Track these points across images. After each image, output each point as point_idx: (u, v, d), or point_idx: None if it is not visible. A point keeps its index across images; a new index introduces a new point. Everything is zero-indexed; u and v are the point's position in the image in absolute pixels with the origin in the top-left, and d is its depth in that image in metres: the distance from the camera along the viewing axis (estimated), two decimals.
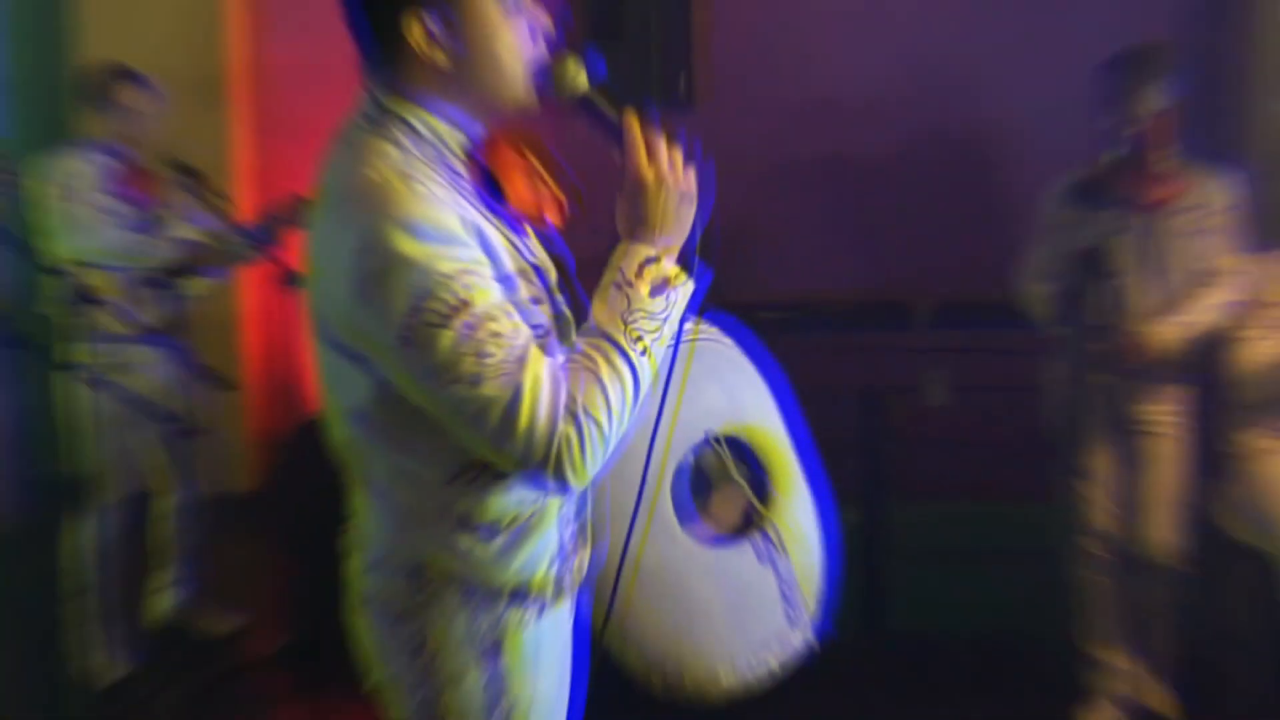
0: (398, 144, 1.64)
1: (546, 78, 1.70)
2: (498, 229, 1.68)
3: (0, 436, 2.86)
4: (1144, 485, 3.68)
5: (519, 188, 1.78)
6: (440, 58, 1.66)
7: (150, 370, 4.14)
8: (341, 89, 5.48)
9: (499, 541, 1.74)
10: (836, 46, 5.34)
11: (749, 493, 2.16)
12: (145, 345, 3.90)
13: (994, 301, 4.08)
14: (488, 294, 1.56)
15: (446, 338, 1.52)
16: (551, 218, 1.83)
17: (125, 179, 4.21)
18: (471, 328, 1.52)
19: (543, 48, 1.72)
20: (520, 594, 1.77)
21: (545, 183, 1.84)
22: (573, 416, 1.56)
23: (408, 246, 1.52)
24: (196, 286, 4.26)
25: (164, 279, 4.07)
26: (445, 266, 1.53)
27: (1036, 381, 3.95)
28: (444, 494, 1.70)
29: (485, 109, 1.73)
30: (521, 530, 1.76)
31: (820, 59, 5.33)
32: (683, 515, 2.09)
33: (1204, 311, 3.57)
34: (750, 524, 2.16)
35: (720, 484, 2.16)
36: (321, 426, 1.83)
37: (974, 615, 4.44)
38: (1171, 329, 3.55)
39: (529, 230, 1.79)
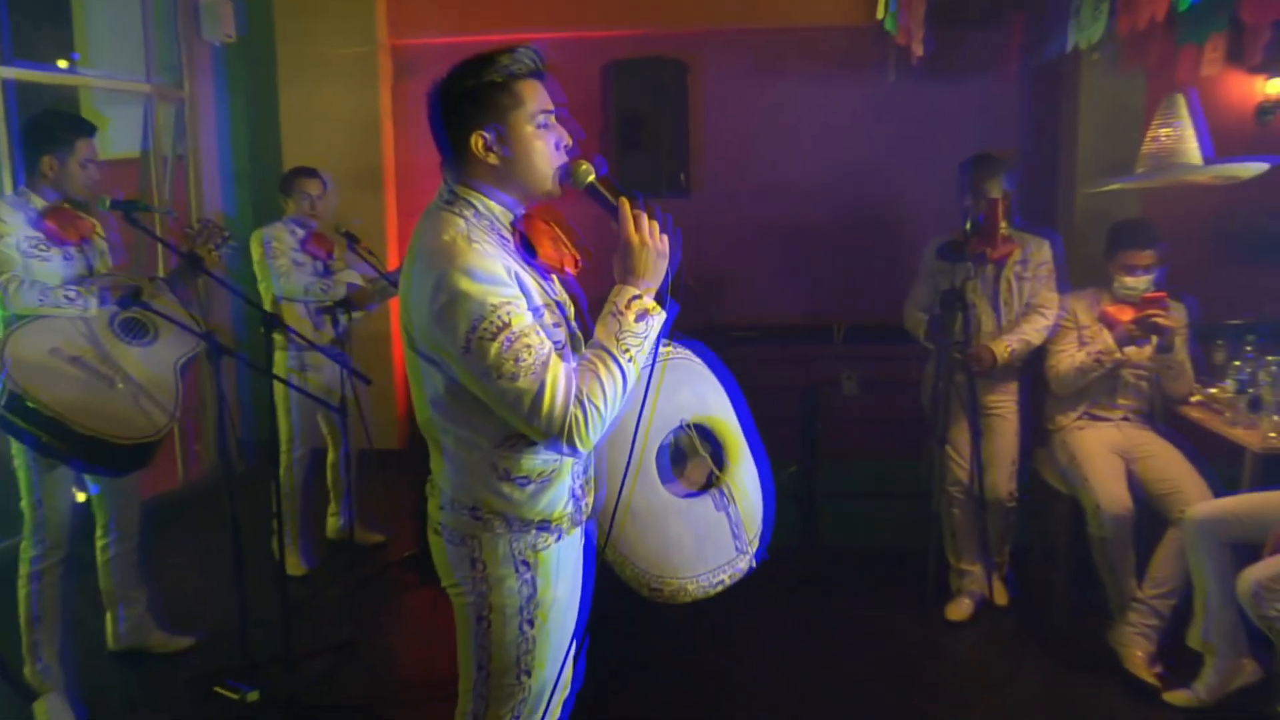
0: (463, 217, 1.70)
1: (567, 174, 1.74)
2: (531, 276, 1.71)
3: (223, 414, 2.84)
4: (990, 449, 3.64)
5: (547, 248, 1.81)
6: (493, 159, 1.71)
7: (323, 370, 4.15)
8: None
9: (530, 488, 1.76)
10: (788, 149, 5.31)
11: (710, 463, 2.13)
12: (321, 354, 3.89)
13: (888, 324, 4.02)
14: (522, 319, 1.61)
15: (494, 348, 1.58)
16: (570, 268, 1.85)
17: (309, 241, 4.20)
18: (511, 342, 1.59)
19: (564, 154, 1.75)
20: (545, 525, 1.79)
21: (566, 244, 1.85)
22: (580, 403, 1.61)
23: (467, 285, 1.59)
24: (357, 315, 4.24)
25: (335, 310, 4.06)
26: (494, 300, 1.60)
27: (916, 379, 3.91)
28: (493, 455, 1.73)
29: (524, 195, 1.77)
30: (546, 481, 1.78)
31: (777, 158, 5.30)
32: (664, 476, 2.08)
33: (1031, 333, 3.53)
34: (710, 484, 2.13)
35: (691, 456, 2.15)
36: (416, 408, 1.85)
37: (877, 536, 4.39)
38: (1008, 345, 3.51)
39: (554, 278, 1.82)
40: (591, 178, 1.72)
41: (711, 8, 5.17)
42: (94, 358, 2.91)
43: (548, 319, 1.71)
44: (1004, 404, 3.66)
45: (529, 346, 1.60)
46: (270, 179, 5.68)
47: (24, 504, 3.06)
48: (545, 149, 1.72)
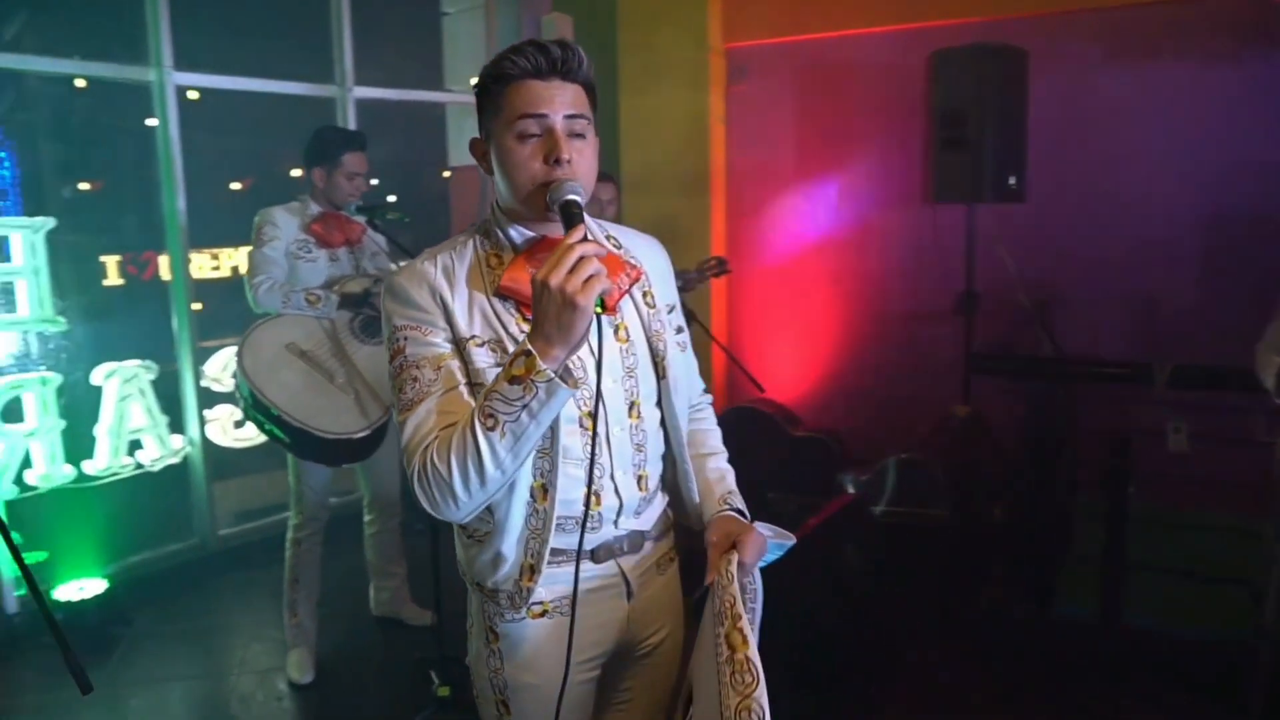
0: (474, 235, 1.54)
1: (549, 193, 1.42)
2: (486, 309, 1.46)
3: None
4: None
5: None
6: (487, 168, 1.51)
7: None
8: (782, 185, 5.22)
9: (469, 544, 1.55)
10: (1137, 150, 4.31)
11: None
12: None
13: (1233, 368, 3.07)
14: (418, 349, 1.43)
15: (391, 371, 1.45)
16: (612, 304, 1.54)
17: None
18: (399, 369, 1.44)
19: (554, 168, 1.42)
20: (486, 592, 1.54)
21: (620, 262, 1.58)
22: (426, 458, 1.36)
23: (386, 302, 1.49)
24: None
25: None
26: (397, 320, 1.46)
27: (1266, 441, 2.94)
28: None
29: (519, 214, 1.50)
30: (481, 541, 1.52)
31: (1122, 161, 4.34)
32: None
33: None
34: None
35: None
36: None
37: (1195, 622, 3.47)
38: None
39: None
40: (559, 199, 1.40)
41: None
42: (324, 354, 3.09)
43: (479, 359, 1.43)
44: None
45: (414, 379, 1.41)
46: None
47: (290, 478, 3.36)
48: (520, 161, 1.43)
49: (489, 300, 1.46)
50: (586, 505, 1.45)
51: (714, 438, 1.78)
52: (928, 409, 4.48)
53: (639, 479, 1.57)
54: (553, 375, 1.29)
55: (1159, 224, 4.20)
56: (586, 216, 1.55)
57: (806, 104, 5.33)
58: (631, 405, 1.55)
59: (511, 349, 1.42)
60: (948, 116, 4.31)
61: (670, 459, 1.65)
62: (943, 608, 3.69)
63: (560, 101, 1.42)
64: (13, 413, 3.78)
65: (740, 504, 1.64)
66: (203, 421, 4.35)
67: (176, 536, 4.38)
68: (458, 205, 5.77)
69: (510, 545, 1.47)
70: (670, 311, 1.66)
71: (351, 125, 4.71)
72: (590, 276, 1.26)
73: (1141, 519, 3.44)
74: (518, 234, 1.51)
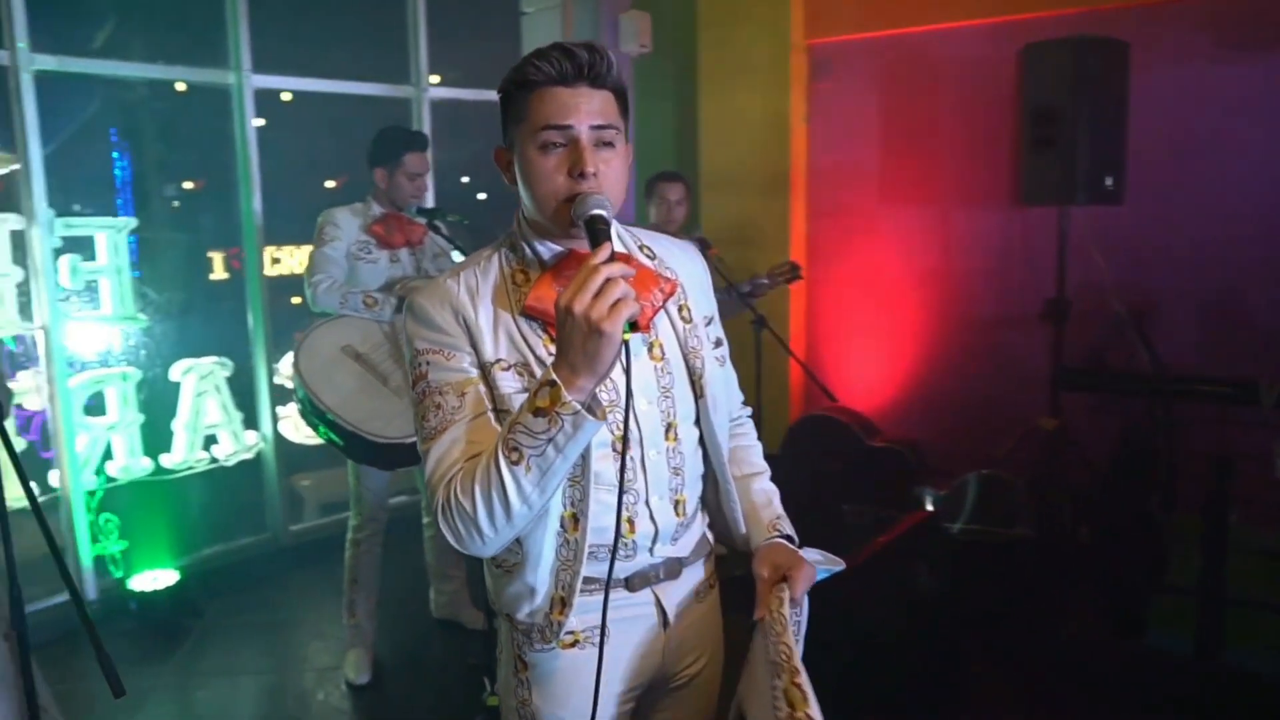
0: (499, 250, 1.44)
1: (573, 208, 1.32)
2: (513, 331, 1.37)
3: None
4: None
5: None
6: (510, 181, 1.41)
7: None
8: (865, 185, 5.03)
9: (498, 574, 1.45)
10: (1233, 152, 3.99)
11: None
12: None
13: None
14: (441, 374, 1.35)
15: (414, 396, 1.38)
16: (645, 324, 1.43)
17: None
18: (421, 396, 1.36)
19: (579, 181, 1.32)
20: (516, 623, 1.45)
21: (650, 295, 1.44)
22: (450, 491, 1.28)
23: (408, 324, 1.41)
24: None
25: None
26: (418, 344, 1.38)
27: None
28: None
29: (544, 229, 1.40)
30: (508, 572, 1.43)
31: (1228, 162, 4.02)
32: None
33: None
34: None
35: None
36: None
37: None
38: None
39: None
40: (584, 214, 1.30)
41: None
42: (380, 356, 3.06)
43: (505, 385, 1.34)
44: None
45: (437, 406, 1.33)
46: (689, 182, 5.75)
47: (349, 479, 3.35)
48: (543, 173, 1.33)
49: (515, 320, 1.37)
50: (617, 533, 1.34)
51: (756, 454, 1.68)
52: (1012, 421, 4.27)
53: (675, 504, 1.47)
54: (579, 408, 1.19)
55: (1271, 231, 3.88)
56: (617, 225, 1.47)
57: (891, 101, 5.11)
58: (668, 427, 1.45)
59: (539, 373, 1.33)
60: (1040, 113, 4.06)
61: (711, 479, 1.55)
62: (1020, 635, 3.47)
63: (587, 110, 1.32)
64: (95, 407, 3.89)
65: (789, 529, 1.54)
66: (275, 418, 4.40)
67: (248, 530, 4.45)
68: None
69: (540, 577, 1.39)
70: (708, 323, 1.55)
71: (426, 126, 4.70)
72: (617, 300, 1.16)
73: (1242, 548, 3.16)
74: (545, 249, 1.41)
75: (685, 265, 1.56)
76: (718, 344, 1.57)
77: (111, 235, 3.85)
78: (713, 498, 1.57)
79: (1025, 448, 4.14)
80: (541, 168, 1.33)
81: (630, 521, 1.42)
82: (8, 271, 3.61)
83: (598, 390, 1.25)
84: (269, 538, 4.46)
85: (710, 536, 1.61)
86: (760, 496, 1.60)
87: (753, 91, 5.42)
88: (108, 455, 3.91)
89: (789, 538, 1.52)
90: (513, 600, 1.43)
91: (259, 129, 4.23)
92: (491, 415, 1.33)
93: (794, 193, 5.48)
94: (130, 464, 3.95)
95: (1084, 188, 3.96)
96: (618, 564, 1.42)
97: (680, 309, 1.51)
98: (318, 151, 5.20)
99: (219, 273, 4.96)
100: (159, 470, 4.04)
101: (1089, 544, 3.74)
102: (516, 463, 1.22)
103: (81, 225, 3.80)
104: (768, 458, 1.70)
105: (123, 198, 6.13)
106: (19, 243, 3.64)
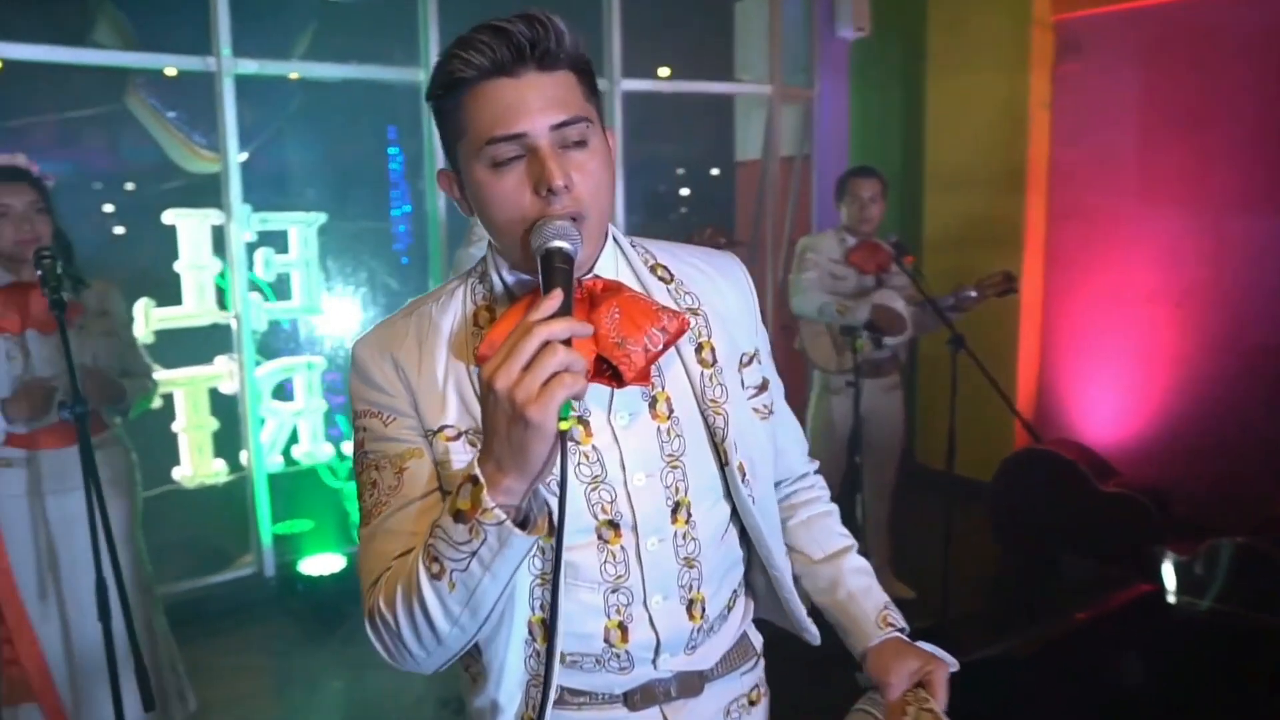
0: (467, 281, 1.12)
1: (533, 233, 0.98)
2: (465, 387, 1.04)
3: None
4: None
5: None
6: (466, 210, 1.07)
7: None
8: (1118, 182, 4.30)
9: (466, 681, 1.14)
10: None
11: None
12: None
13: None
14: (377, 444, 1.06)
15: (354, 467, 1.10)
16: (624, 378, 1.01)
17: (857, 251, 3.59)
18: (361, 466, 1.08)
19: (547, 201, 0.97)
20: None
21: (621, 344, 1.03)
22: (374, 598, 1.01)
23: (351, 378, 1.11)
24: (890, 342, 3.53)
25: (854, 334, 3.41)
26: (357, 404, 1.09)
27: None
28: None
29: (509, 254, 1.05)
30: (474, 679, 1.11)
31: None
32: None
33: None
34: None
35: None
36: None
37: None
38: None
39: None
40: (543, 245, 0.95)
41: None
42: None
43: (454, 457, 1.03)
44: None
45: (372, 483, 1.06)
46: (912, 178, 5.14)
47: None
48: (500, 197, 0.99)
49: (469, 374, 1.05)
50: (552, 630, 0.99)
51: (835, 521, 1.30)
52: None
53: (689, 605, 1.10)
54: (503, 517, 0.89)
55: None
56: (620, 239, 1.11)
57: (1154, 82, 4.25)
58: (676, 507, 1.08)
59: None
60: None
61: (757, 567, 1.19)
62: None
63: (541, 106, 0.96)
64: (281, 393, 4.01)
65: (902, 620, 1.21)
66: None
67: None
68: (743, 203, 5.35)
69: (507, 693, 1.07)
70: (748, 363, 1.16)
71: (618, 119, 4.47)
72: (553, 376, 0.83)
73: None
74: (515, 279, 1.08)
75: (716, 288, 1.16)
76: (761, 389, 1.17)
77: (302, 230, 3.94)
78: (764, 586, 1.20)
79: None
80: (497, 191, 0.99)
81: (622, 628, 1.08)
82: (207, 263, 3.77)
83: (543, 484, 0.92)
84: None
85: (757, 640, 1.24)
86: (857, 580, 1.24)
87: (988, 75, 4.74)
88: (293, 439, 4.02)
89: (904, 631, 1.20)
90: (478, 716, 1.11)
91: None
92: (437, 496, 1.03)
93: (1031, 190, 4.75)
94: (313, 449, 4.04)
95: None
96: (611, 677, 1.09)
97: (699, 349, 1.11)
98: None
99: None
100: (340, 457, 4.10)
101: None
102: (438, 576, 0.93)
103: (276, 220, 3.91)
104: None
105: (400, 189, 6.43)
106: (217, 237, 3.79)
